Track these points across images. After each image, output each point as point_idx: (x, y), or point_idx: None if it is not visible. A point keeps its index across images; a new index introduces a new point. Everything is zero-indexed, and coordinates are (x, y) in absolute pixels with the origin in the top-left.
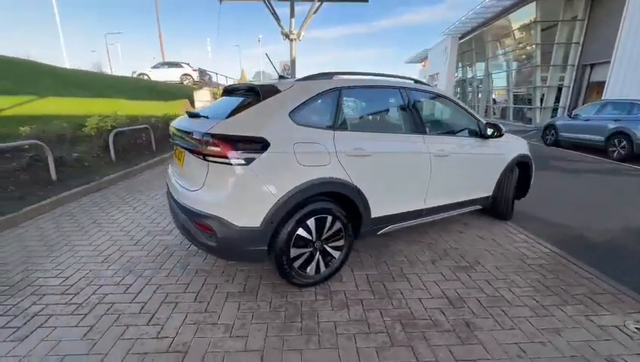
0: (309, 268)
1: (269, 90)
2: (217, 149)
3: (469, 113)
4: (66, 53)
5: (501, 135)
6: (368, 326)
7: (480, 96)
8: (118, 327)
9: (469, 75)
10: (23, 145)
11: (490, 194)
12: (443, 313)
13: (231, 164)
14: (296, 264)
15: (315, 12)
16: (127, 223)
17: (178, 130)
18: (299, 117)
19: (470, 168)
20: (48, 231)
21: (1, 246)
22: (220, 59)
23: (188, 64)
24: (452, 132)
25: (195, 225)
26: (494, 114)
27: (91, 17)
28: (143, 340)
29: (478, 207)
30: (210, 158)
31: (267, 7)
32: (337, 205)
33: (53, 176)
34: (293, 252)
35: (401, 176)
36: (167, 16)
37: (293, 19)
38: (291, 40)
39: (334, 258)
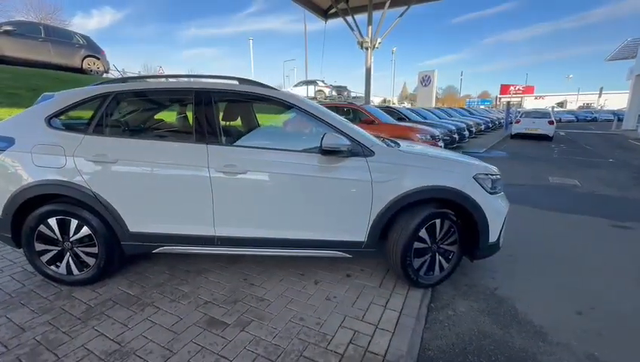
0: (60, 267)
1: (46, 97)
2: None
3: (321, 121)
4: (263, 79)
5: (325, 151)
6: None
7: None
8: None
9: None
10: None
11: (364, 240)
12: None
13: None
14: (44, 258)
15: (400, 16)
16: None
17: None
18: (57, 121)
19: (300, 195)
20: None
21: None
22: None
23: (323, 81)
24: (281, 144)
25: None
26: None
27: (294, 48)
28: None
29: (341, 254)
30: None
31: (343, 19)
32: (84, 210)
33: None
34: (38, 246)
35: (163, 190)
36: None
37: (370, 27)
38: (366, 49)
39: (89, 264)
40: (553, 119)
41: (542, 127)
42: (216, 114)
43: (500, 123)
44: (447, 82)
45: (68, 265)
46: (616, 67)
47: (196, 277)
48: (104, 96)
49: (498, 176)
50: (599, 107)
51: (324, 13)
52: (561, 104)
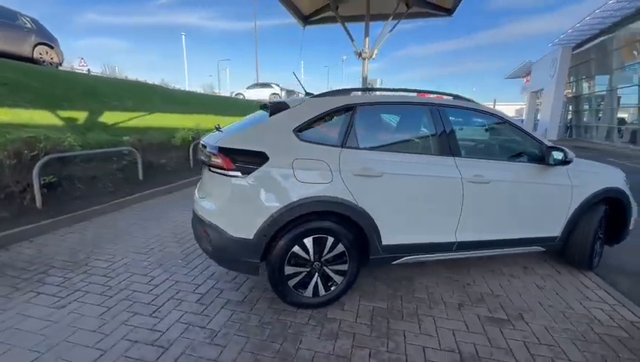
0: (306, 290)
1: (279, 107)
2: (219, 161)
3: (526, 134)
4: (188, 77)
5: (566, 161)
6: None
7: (600, 115)
8: (127, 313)
9: (586, 91)
10: (121, 150)
11: (558, 235)
12: None
13: (229, 176)
14: (291, 282)
15: (391, 31)
16: (181, 220)
17: (202, 144)
18: (305, 133)
19: (523, 200)
20: (120, 223)
21: (83, 230)
22: (309, 80)
23: (278, 85)
24: (501, 156)
25: (200, 230)
26: (621, 137)
27: (214, 46)
28: (139, 329)
29: (538, 248)
30: (214, 169)
31: (343, 28)
32: (341, 226)
33: (140, 176)
34: (288, 269)
35: (420, 201)
36: (267, 42)
37: (367, 39)
38: (364, 59)
39: (336, 283)
40: None
41: None
42: (456, 127)
43: None
44: None
45: (315, 286)
46: (512, 83)
47: (413, 284)
48: (349, 108)
49: None
50: None
51: (305, 20)
52: None
